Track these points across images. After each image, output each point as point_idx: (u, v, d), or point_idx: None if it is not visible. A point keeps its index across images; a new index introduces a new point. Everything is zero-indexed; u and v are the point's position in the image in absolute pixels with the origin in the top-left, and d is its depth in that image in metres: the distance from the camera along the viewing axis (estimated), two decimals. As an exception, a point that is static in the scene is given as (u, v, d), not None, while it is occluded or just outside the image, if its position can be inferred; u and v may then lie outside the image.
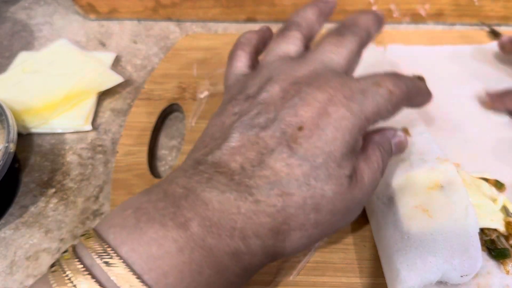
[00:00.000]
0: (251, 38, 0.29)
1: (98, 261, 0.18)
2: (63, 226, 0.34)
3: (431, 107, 0.29)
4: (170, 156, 0.38)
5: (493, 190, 0.29)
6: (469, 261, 0.24)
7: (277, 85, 0.23)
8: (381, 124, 0.24)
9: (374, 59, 0.37)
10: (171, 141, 0.40)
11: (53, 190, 0.36)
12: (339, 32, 0.26)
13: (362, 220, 0.30)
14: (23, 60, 0.45)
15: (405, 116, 0.27)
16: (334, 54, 0.25)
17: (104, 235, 0.19)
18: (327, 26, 0.30)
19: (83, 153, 0.39)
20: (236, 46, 0.29)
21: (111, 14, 0.52)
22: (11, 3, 0.55)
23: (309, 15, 0.28)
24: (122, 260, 0.18)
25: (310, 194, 0.21)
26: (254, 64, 0.29)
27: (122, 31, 0.51)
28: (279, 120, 0.22)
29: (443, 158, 0.29)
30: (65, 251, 0.20)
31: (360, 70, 0.27)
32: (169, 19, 0.51)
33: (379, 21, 0.28)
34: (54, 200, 0.36)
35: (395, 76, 0.24)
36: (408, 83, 0.24)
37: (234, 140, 0.22)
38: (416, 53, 0.42)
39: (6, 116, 0.35)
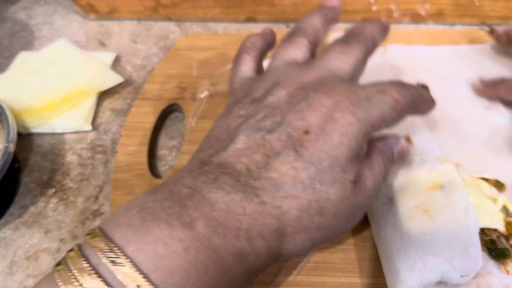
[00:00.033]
0: (256, 42, 0.30)
1: (105, 260, 0.18)
2: (63, 226, 0.34)
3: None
4: (170, 156, 0.38)
5: (493, 190, 0.29)
6: (469, 261, 0.24)
7: (284, 90, 0.24)
8: (384, 130, 0.25)
9: (374, 59, 0.37)
10: (171, 141, 0.40)
11: (53, 190, 0.36)
12: (346, 40, 0.26)
13: (362, 220, 0.30)
14: (23, 60, 0.45)
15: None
16: (341, 61, 0.25)
17: (110, 234, 0.19)
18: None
19: (83, 153, 0.39)
20: (242, 49, 0.29)
21: (111, 14, 0.52)
22: (11, 3, 0.55)
23: (316, 22, 0.29)
24: (128, 259, 0.18)
25: (315, 197, 0.21)
26: (259, 67, 0.29)
27: (122, 31, 0.51)
28: (286, 124, 0.22)
29: (443, 158, 0.29)
30: (71, 250, 0.20)
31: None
32: (169, 19, 0.51)
33: (385, 30, 0.28)
34: (54, 200, 0.36)
35: (400, 85, 0.25)
36: (413, 91, 0.25)
37: (240, 142, 0.22)
38: (416, 53, 0.41)
39: (6, 116, 0.35)
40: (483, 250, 0.26)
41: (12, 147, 0.33)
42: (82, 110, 0.40)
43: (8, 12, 0.54)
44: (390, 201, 0.28)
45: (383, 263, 0.27)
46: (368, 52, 0.27)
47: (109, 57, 0.46)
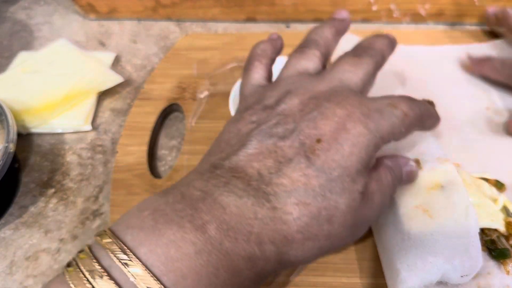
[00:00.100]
0: (266, 49, 0.30)
1: (117, 262, 0.18)
2: (63, 226, 0.34)
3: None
4: (170, 156, 0.38)
5: (493, 190, 0.29)
6: (469, 261, 0.24)
7: (297, 98, 0.24)
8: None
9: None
10: (171, 141, 0.40)
11: (53, 190, 0.36)
12: (356, 53, 0.27)
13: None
14: (22, 60, 0.45)
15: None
16: (352, 73, 0.26)
17: (121, 236, 0.19)
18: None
19: (82, 153, 0.39)
20: (253, 57, 0.30)
21: (111, 14, 0.52)
22: (10, 3, 0.55)
23: (327, 34, 0.29)
24: (141, 262, 0.18)
25: (324, 205, 0.21)
26: (270, 75, 0.30)
27: (122, 31, 0.51)
28: (298, 131, 0.22)
29: (443, 158, 0.29)
30: (81, 251, 0.20)
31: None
32: (169, 19, 0.51)
33: (393, 45, 0.29)
34: (54, 200, 0.36)
35: (409, 99, 0.25)
36: (421, 106, 0.25)
37: (252, 147, 0.22)
38: (416, 53, 0.42)
39: (6, 116, 0.35)
40: (483, 250, 0.26)
41: (12, 147, 0.33)
42: (82, 110, 0.40)
43: (8, 12, 0.54)
44: (390, 201, 0.28)
45: (383, 263, 0.27)
46: (378, 66, 0.27)
47: (109, 57, 0.46)
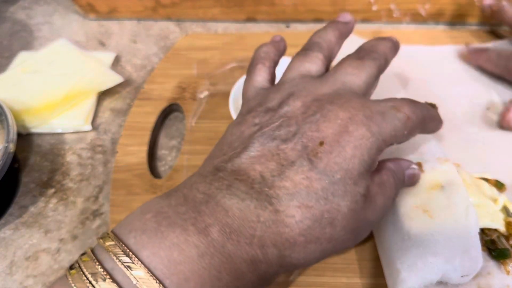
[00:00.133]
0: (269, 52, 0.30)
1: (120, 265, 0.18)
2: (63, 226, 0.34)
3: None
4: (170, 156, 0.38)
5: (493, 190, 0.29)
6: (469, 261, 0.24)
7: (299, 101, 0.24)
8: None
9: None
10: (171, 141, 0.40)
11: (53, 190, 0.36)
12: (359, 56, 0.27)
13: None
14: (22, 60, 0.45)
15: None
16: (355, 76, 0.26)
17: (124, 239, 0.19)
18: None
19: (82, 153, 0.39)
20: (256, 60, 0.30)
21: (111, 14, 0.52)
22: (10, 3, 0.55)
23: (330, 37, 0.29)
24: (143, 265, 0.18)
25: (327, 208, 0.21)
26: (273, 77, 0.30)
27: (122, 31, 0.51)
28: (301, 134, 0.22)
29: (443, 158, 0.29)
30: (84, 253, 0.20)
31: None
32: (169, 19, 0.51)
33: (396, 48, 0.29)
34: (54, 200, 0.36)
35: (412, 102, 0.25)
36: (424, 109, 0.25)
37: (254, 149, 0.22)
38: (416, 53, 0.42)
39: (6, 116, 0.35)
40: (483, 250, 0.26)
41: (12, 147, 0.33)
42: (82, 110, 0.40)
43: (8, 12, 0.54)
44: (390, 201, 0.28)
45: (383, 263, 0.27)
46: (381, 69, 0.27)
47: (109, 57, 0.46)
